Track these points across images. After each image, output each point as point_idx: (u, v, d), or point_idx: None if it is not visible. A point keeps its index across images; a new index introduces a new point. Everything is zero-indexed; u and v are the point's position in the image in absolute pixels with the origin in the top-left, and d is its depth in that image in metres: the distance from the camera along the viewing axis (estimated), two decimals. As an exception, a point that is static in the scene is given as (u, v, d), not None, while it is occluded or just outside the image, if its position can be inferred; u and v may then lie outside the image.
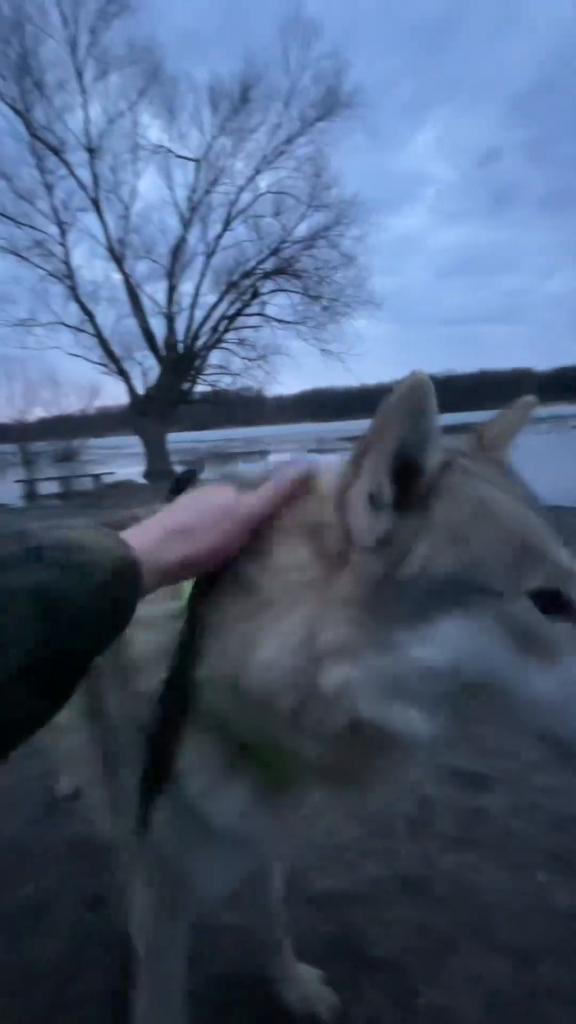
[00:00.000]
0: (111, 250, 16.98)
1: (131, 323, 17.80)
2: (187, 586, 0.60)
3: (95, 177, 16.28)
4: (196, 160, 17.45)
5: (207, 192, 17.61)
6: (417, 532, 0.50)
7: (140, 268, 18.18)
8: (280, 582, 0.54)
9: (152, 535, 0.52)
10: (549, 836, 1.51)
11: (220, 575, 0.57)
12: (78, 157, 16.10)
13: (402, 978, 1.13)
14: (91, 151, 16.00)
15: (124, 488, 14.18)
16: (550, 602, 0.49)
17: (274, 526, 0.58)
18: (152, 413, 17.14)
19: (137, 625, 0.50)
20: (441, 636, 0.48)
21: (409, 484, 0.51)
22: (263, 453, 29.89)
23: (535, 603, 0.49)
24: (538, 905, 1.29)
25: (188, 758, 0.59)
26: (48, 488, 13.71)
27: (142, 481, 15.80)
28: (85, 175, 16.24)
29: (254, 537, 0.57)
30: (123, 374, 17.52)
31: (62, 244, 16.36)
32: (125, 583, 0.46)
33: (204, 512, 0.56)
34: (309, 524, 0.55)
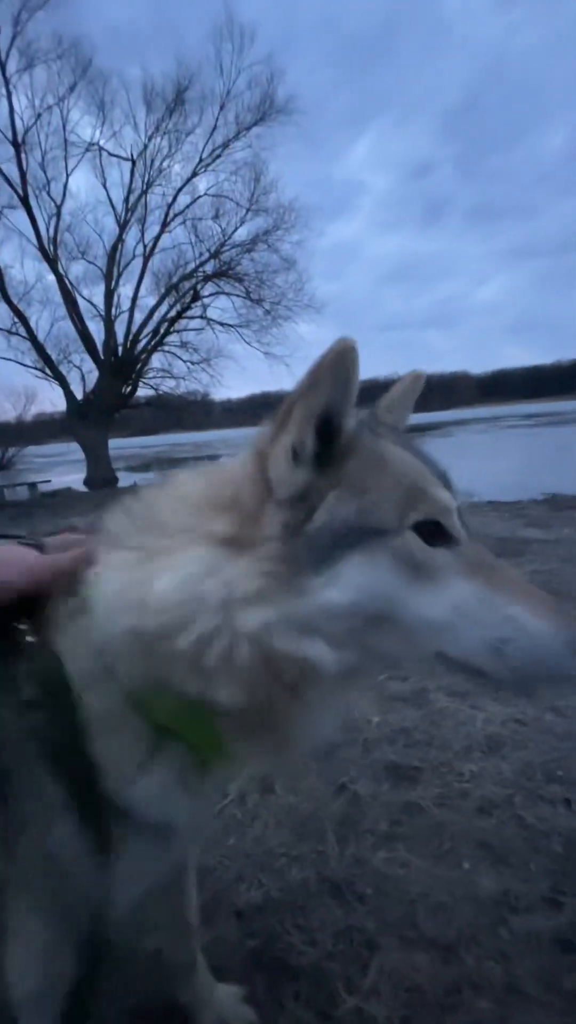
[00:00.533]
0: (43, 249, 16.28)
1: (67, 326, 17.17)
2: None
3: (22, 173, 15.57)
4: (131, 160, 17.08)
5: (144, 193, 17.27)
6: (329, 488, 0.55)
7: (75, 269, 17.62)
8: (182, 532, 0.57)
9: None
10: (475, 823, 1.54)
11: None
12: (4, 151, 15.36)
13: (323, 985, 1.09)
14: (17, 145, 15.28)
15: (62, 497, 13.56)
16: (432, 533, 0.56)
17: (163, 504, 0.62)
18: (92, 418, 16.54)
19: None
20: (345, 576, 0.53)
21: (329, 443, 0.55)
22: (212, 457, 29.64)
23: (419, 535, 0.55)
24: (462, 895, 1.30)
25: (105, 753, 0.58)
26: (-21, 499, 12.90)
27: (82, 489, 15.19)
28: (12, 170, 15.51)
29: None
30: (60, 378, 16.83)
31: (-12, 242, 15.51)
32: None
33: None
34: (228, 493, 0.58)
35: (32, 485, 13.50)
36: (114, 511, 0.66)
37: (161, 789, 0.60)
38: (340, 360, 0.51)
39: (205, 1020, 1.01)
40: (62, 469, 22.38)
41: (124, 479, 16.58)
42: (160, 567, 0.55)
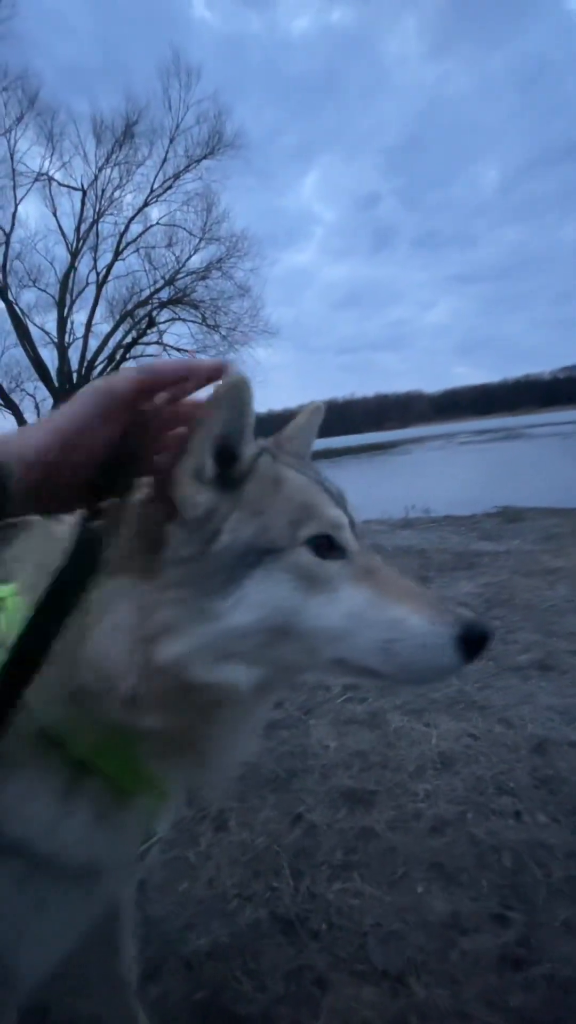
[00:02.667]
0: (-9, 277, 16.02)
1: (18, 353, 16.83)
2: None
3: (-32, 202, 15.37)
4: (82, 190, 17.15)
5: (95, 222, 17.34)
6: (230, 510, 0.57)
7: (26, 296, 17.33)
8: (100, 581, 0.55)
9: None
10: (428, 844, 1.54)
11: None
12: (-52, 181, 15.14)
13: (273, 1033, 1.06)
14: (-37, 174, 15.11)
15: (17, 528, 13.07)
16: (324, 547, 0.59)
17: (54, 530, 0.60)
18: (47, 446, 16.15)
19: None
20: (249, 595, 0.55)
21: (229, 468, 0.58)
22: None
23: (312, 549, 0.58)
24: (414, 920, 1.30)
25: (18, 797, 0.56)
26: None
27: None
28: (-43, 199, 15.29)
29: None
30: (12, 407, 16.43)
31: None
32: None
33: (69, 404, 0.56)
34: (132, 515, 0.58)
35: (-17, 518, 12.95)
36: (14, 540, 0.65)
37: (81, 829, 0.57)
38: (234, 391, 0.55)
39: None
40: (16, 499, 21.61)
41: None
42: (89, 625, 0.54)
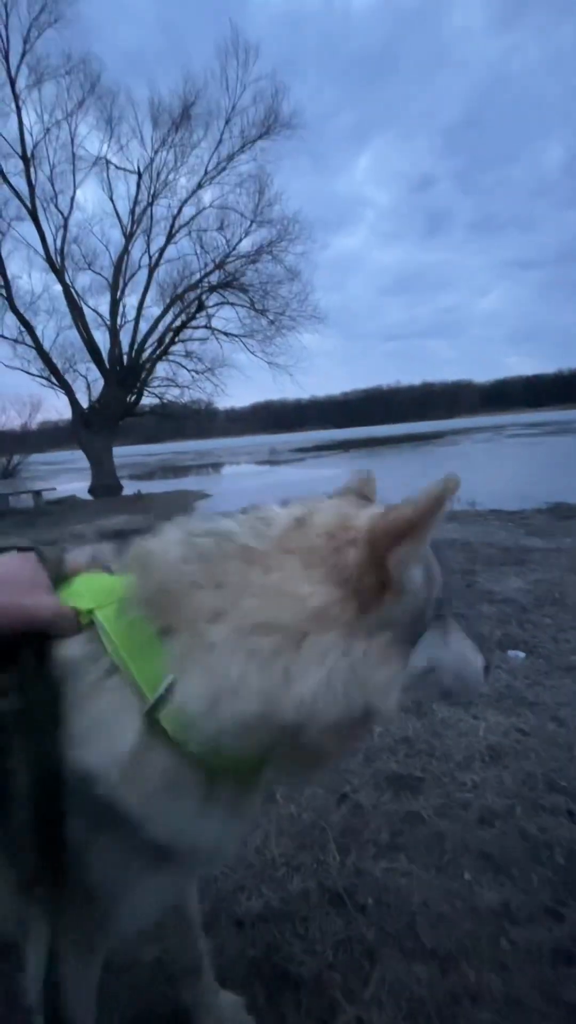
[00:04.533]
0: (50, 260, 16.50)
1: (73, 335, 17.33)
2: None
3: (31, 186, 15.82)
4: (137, 173, 17.34)
5: (149, 205, 17.50)
6: (427, 584, 0.68)
7: (82, 279, 17.79)
8: (302, 620, 0.60)
9: None
10: (476, 833, 1.54)
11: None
12: (13, 165, 15.62)
13: (323, 995, 1.09)
14: (27, 159, 15.54)
15: (66, 504, 13.62)
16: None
17: (277, 566, 0.64)
18: (97, 426, 16.66)
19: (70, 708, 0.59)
20: (423, 649, 0.70)
21: None
22: (215, 465, 29.69)
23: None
24: (463, 906, 1.30)
25: (166, 806, 0.61)
26: (-15, 506, 12.97)
27: (87, 497, 15.26)
28: (21, 184, 15.77)
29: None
30: (65, 387, 16.97)
31: (-3, 253, 15.74)
32: None
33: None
34: (340, 568, 0.63)
35: (37, 493, 13.55)
36: (167, 559, 0.65)
37: (213, 829, 0.65)
38: (452, 492, 0.64)
39: None
40: (67, 477, 22.49)
41: (128, 487, 16.65)
42: (257, 656, 0.59)
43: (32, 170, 15.75)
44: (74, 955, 0.69)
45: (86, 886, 0.63)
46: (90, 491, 16.09)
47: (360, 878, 1.40)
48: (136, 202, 17.40)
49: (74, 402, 16.97)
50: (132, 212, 17.38)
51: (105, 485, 16.12)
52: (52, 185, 16.37)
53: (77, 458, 20.79)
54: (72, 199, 16.78)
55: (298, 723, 0.59)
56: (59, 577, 0.69)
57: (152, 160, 17.27)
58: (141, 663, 0.60)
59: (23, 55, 15.10)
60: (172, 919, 0.98)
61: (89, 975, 0.74)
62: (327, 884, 1.38)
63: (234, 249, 18.27)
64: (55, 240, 16.62)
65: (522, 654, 2.76)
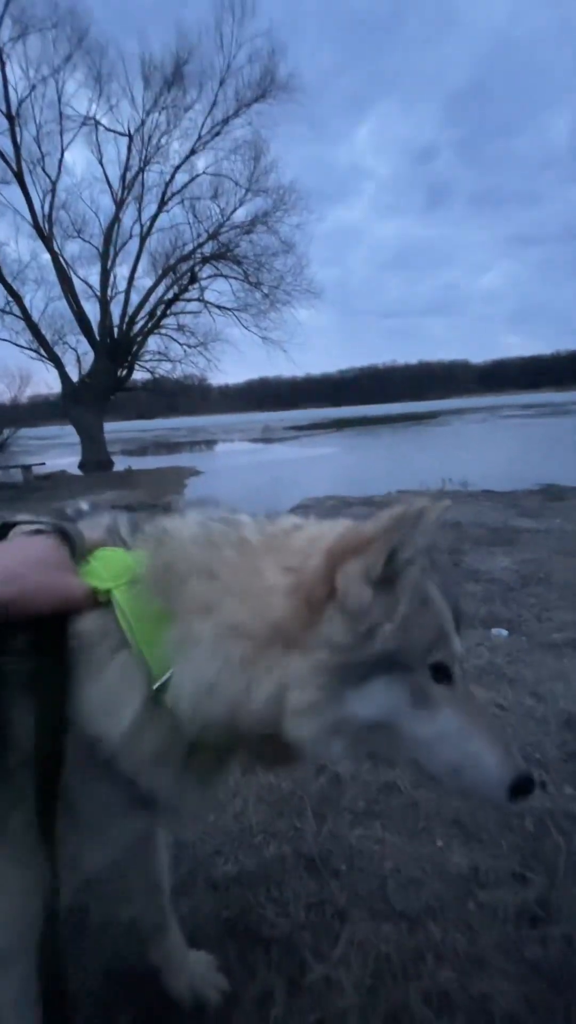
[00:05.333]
0: (37, 227, 15.99)
1: (62, 306, 16.96)
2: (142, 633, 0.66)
3: (16, 147, 15.20)
4: (128, 135, 16.70)
5: (141, 170, 16.94)
6: (384, 613, 0.63)
7: (71, 248, 17.39)
8: (265, 629, 0.64)
9: None
10: (450, 802, 1.57)
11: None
12: (-3, 124, 14.97)
13: (295, 955, 1.13)
14: (11, 118, 14.90)
15: (56, 479, 13.51)
16: (439, 671, 0.66)
17: (260, 566, 0.68)
18: (87, 401, 16.41)
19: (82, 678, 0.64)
20: (373, 696, 0.63)
21: (390, 568, 0.64)
22: (208, 442, 29.45)
23: (431, 673, 0.66)
24: (433, 870, 1.33)
25: (156, 766, 0.67)
26: (-27, 480, 12.83)
27: (77, 472, 15.13)
28: (6, 144, 15.16)
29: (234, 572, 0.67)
30: (55, 360, 16.66)
31: (-19, 218, 15.21)
32: None
33: (26, 560, 0.65)
34: (297, 580, 0.65)
35: (26, 467, 13.40)
36: (169, 566, 0.69)
37: (190, 787, 0.71)
38: (420, 516, 0.62)
39: (177, 985, 1.05)
40: (57, 452, 22.26)
41: (119, 463, 16.51)
42: (230, 662, 0.64)
43: (17, 130, 15.14)
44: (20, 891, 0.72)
45: (73, 819, 0.68)
46: (80, 466, 15.95)
47: (335, 844, 1.44)
48: (127, 167, 16.86)
49: (64, 376, 16.69)
50: (123, 178, 16.85)
51: (96, 461, 15.97)
52: (39, 146, 15.81)
53: (67, 433, 20.51)
54: (60, 162, 16.24)
55: (251, 728, 0.64)
56: (80, 555, 0.72)
57: (143, 122, 16.67)
58: (148, 642, 0.65)
59: (6, 5, 14.39)
60: (141, 881, 1.00)
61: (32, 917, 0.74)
62: (302, 850, 1.42)
63: (228, 219, 17.83)
64: (43, 205, 16.13)
65: (505, 632, 2.79)
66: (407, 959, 1.10)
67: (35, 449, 25.20)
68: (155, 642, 0.65)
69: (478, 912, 1.21)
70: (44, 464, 14.90)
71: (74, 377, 16.88)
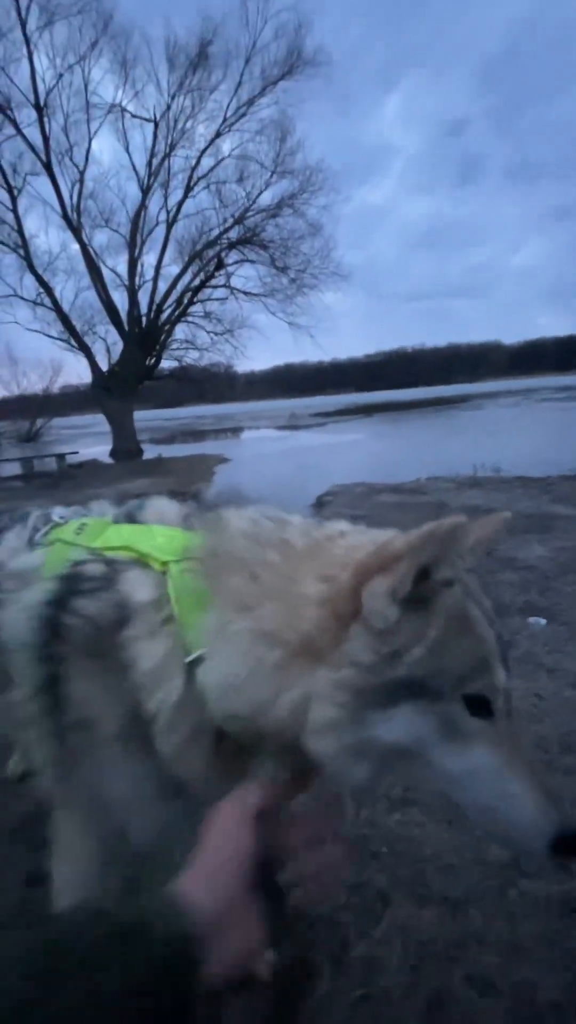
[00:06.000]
0: (66, 218, 16.15)
1: (91, 296, 17.14)
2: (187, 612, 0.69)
3: (45, 138, 15.33)
4: (154, 121, 16.60)
5: (167, 156, 16.84)
6: (414, 636, 0.60)
7: (99, 238, 17.44)
8: (297, 638, 0.63)
9: (204, 898, 0.49)
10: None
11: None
12: (26, 116, 15.10)
13: (337, 933, 1.16)
14: (39, 108, 15.00)
15: (88, 468, 13.82)
16: (476, 704, 0.61)
17: (299, 573, 0.67)
18: (117, 390, 16.65)
19: (135, 640, 0.67)
20: (397, 720, 0.60)
21: (421, 587, 0.61)
22: (235, 430, 29.56)
23: (465, 703, 0.61)
24: (472, 858, 1.34)
25: (184, 726, 0.68)
26: (10, 469, 13.25)
27: (108, 461, 15.43)
28: (35, 136, 15.28)
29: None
30: (85, 349, 16.91)
31: (13, 211, 15.45)
32: (193, 967, 0.46)
33: (237, 876, 0.53)
34: (329, 592, 0.64)
35: (60, 456, 13.74)
36: (218, 555, 0.71)
37: (215, 774, 0.70)
38: (453, 531, 0.58)
39: None
40: (88, 441, 22.72)
41: (149, 451, 16.76)
42: (261, 666, 0.64)
43: (46, 120, 15.22)
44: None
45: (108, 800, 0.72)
46: (111, 455, 16.25)
47: (374, 829, 1.46)
48: (153, 153, 16.77)
49: (94, 365, 16.93)
50: (149, 164, 16.78)
51: (126, 449, 16.25)
52: (67, 136, 15.84)
53: (98, 422, 20.93)
54: (87, 151, 16.25)
55: (275, 733, 0.64)
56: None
57: (169, 107, 16.51)
58: (189, 620, 0.67)
59: (31, -7, 14.33)
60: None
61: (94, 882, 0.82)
62: (341, 832, 1.44)
63: (254, 202, 17.59)
64: (71, 196, 16.22)
65: (543, 621, 2.74)
66: (449, 943, 1.12)
67: (67, 438, 25.84)
68: (194, 622, 0.67)
69: (520, 901, 1.21)
70: (77, 453, 15.25)
71: (104, 367, 17.12)
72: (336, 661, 0.61)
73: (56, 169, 15.72)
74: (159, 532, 0.79)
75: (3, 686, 0.80)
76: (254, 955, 0.53)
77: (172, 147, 16.81)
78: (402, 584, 0.59)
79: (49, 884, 1.35)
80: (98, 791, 0.73)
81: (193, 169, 17.09)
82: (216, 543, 0.72)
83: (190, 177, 17.13)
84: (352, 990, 1.05)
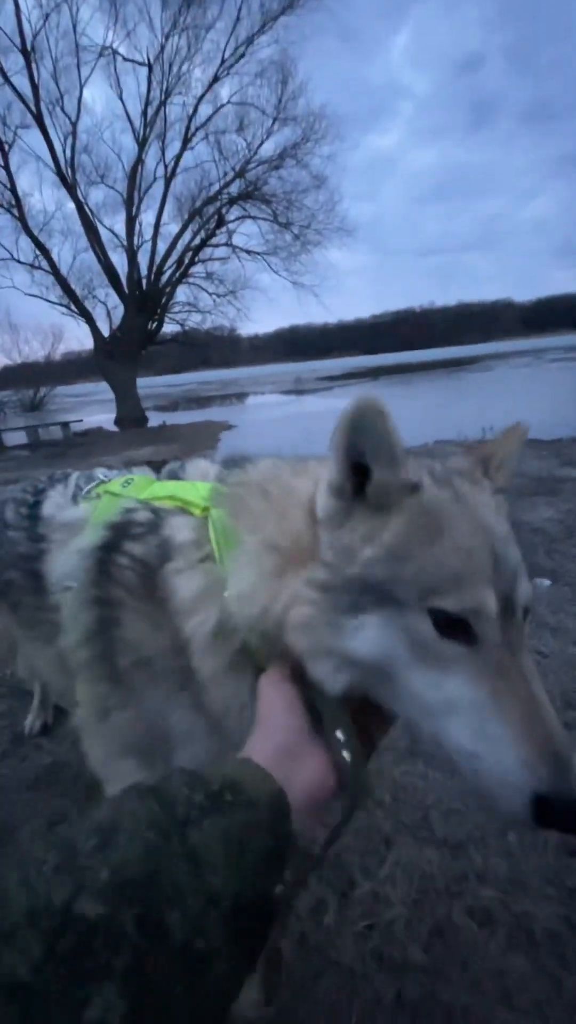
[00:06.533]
0: (60, 174, 15.51)
1: (89, 258, 16.66)
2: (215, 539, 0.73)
3: (34, 86, 14.55)
4: (147, 64, 15.68)
5: (162, 103, 15.98)
6: (366, 535, 0.58)
7: (95, 195, 16.97)
8: (289, 543, 0.65)
9: (270, 761, 0.52)
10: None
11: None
12: (13, 62, 14.31)
13: (344, 872, 1.22)
14: (27, 53, 14.18)
15: (94, 436, 13.78)
16: (449, 624, 0.54)
17: (299, 483, 0.70)
18: (119, 356, 16.39)
19: (176, 573, 0.72)
20: (366, 633, 0.57)
21: (362, 480, 0.60)
22: (240, 396, 29.18)
23: (434, 621, 0.54)
24: (474, 804, 1.39)
25: (212, 657, 0.70)
26: (15, 439, 13.24)
27: (113, 429, 15.37)
28: (23, 84, 14.52)
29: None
30: (85, 314, 16.56)
31: (5, 167, 14.85)
32: (282, 817, 0.48)
33: (290, 727, 0.58)
34: (308, 494, 0.66)
35: (65, 425, 13.70)
36: (241, 486, 0.76)
37: (239, 688, 0.71)
38: (360, 414, 0.56)
39: None
40: (92, 409, 22.57)
41: (153, 418, 16.65)
42: (263, 572, 0.66)
43: (34, 67, 14.41)
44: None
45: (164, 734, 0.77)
46: (116, 423, 16.16)
47: (379, 778, 1.51)
48: (148, 101, 15.91)
49: (95, 331, 16.62)
50: (144, 113, 15.96)
51: (131, 417, 16.14)
52: (57, 84, 15.05)
53: (101, 390, 20.71)
54: (79, 99, 15.47)
55: (279, 637, 0.63)
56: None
57: (163, 48, 15.56)
58: (227, 554, 0.70)
59: None
60: None
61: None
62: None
63: (255, 153, 16.79)
64: (64, 150, 15.54)
65: (547, 582, 2.76)
66: (450, 879, 1.18)
67: (71, 406, 25.68)
68: (227, 557, 0.70)
69: (519, 842, 1.27)
70: (81, 421, 15.20)
71: (105, 332, 16.80)
72: (314, 560, 0.62)
73: (47, 120, 15.01)
74: (202, 485, 0.84)
75: (50, 635, 0.84)
76: (328, 793, 0.57)
77: (168, 93, 15.96)
78: (335, 476, 0.60)
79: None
80: (155, 727, 0.77)
81: (191, 118, 16.27)
82: (241, 477, 0.77)
83: (188, 127, 16.32)
84: (358, 921, 1.12)
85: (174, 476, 0.93)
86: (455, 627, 0.54)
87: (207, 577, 0.71)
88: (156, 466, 1.08)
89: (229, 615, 0.67)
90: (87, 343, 17.56)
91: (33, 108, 14.69)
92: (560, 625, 2.30)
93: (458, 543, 0.56)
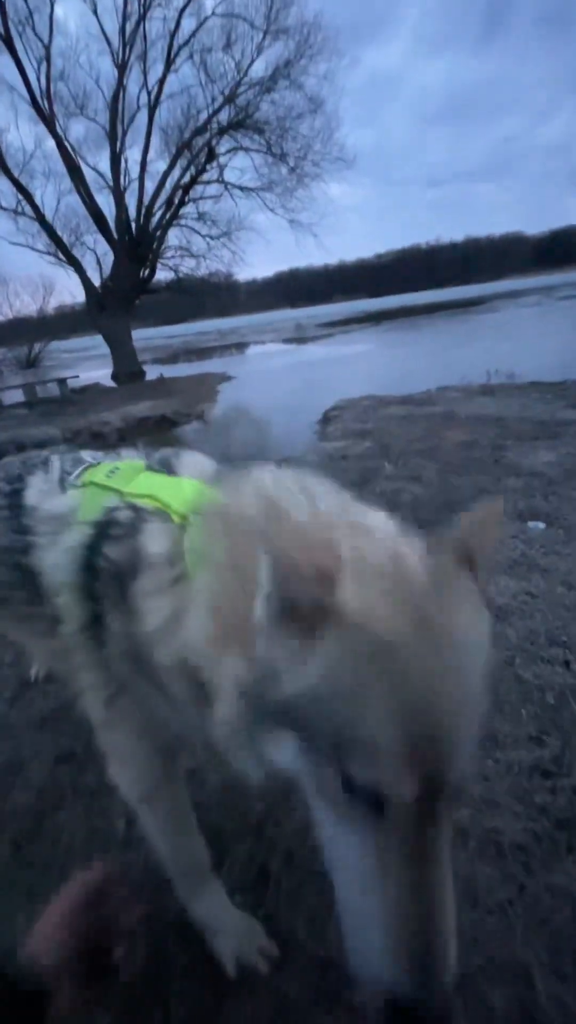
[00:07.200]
0: (36, 106, 14.43)
1: (75, 201, 15.75)
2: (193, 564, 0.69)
3: (1, 3, 13.29)
4: (122, -28, 14.20)
5: (142, 19, 14.59)
6: (293, 660, 0.51)
7: (76, 129, 15.86)
8: (233, 623, 0.61)
9: None
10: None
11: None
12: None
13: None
14: (-11, -36, 12.87)
15: (91, 391, 13.57)
16: (365, 790, 0.49)
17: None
18: (112, 307, 15.85)
19: (144, 595, 0.70)
20: (282, 749, 0.54)
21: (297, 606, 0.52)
22: (239, 345, 28.36)
23: (344, 779, 0.50)
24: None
25: (177, 683, 0.73)
26: (12, 397, 13.07)
27: (110, 384, 15.10)
28: (-13, 2, 13.24)
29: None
30: (74, 263, 15.87)
31: (-24, 100, 13.81)
32: (41, 995, 0.64)
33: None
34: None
35: (62, 381, 13.45)
36: (224, 517, 0.70)
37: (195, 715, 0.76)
38: (289, 571, 0.50)
39: (222, 949, 1.01)
40: (88, 364, 22.11)
41: (150, 371, 16.32)
42: (207, 636, 0.64)
43: (-2, -20, 13.09)
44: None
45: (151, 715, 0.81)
46: (113, 377, 15.86)
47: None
48: (126, 15, 14.53)
49: (85, 280, 15.99)
50: (122, 31, 14.62)
51: (127, 371, 15.80)
52: (25, 1, 13.71)
53: (96, 344, 20.18)
54: (51, 17, 14.10)
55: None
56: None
57: (138, -50, 14.01)
58: (198, 579, 0.67)
59: None
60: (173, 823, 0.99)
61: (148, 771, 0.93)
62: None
63: (245, 74, 15.47)
64: (38, 78, 14.37)
65: (542, 524, 2.77)
66: (427, 801, 1.26)
67: (67, 362, 25.11)
68: (198, 584, 0.67)
69: (495, 767, 1.34)
70: (78, 377, 14.89)
71: (96, 281, 16.16)
72: (245, 652, 0.57)
73: (17, 44, 13.78)
74: (188, 485, 0.80)
75: (51, 625, 0.86)
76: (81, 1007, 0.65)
77: (147, 7, 14.54)
78: (267, 586, 0.53)
79: (74, 762, 1.52)
80: (143, 710, 0.81)
81: (173, 35, 14.89)
82: (232, 499, 0.71)
83: (170, 45, 14.97)
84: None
85: (166, 464, 0.89)
86: (366, 791, 0.49)
87: (173, 605, 0.69)
88: (158, 429, 1.04)
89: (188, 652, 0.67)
90: (79, 295, 16.89)
91: (1, 30, 13.50)
92: (551, 566, 2.32)
93: (384, 704, 0.47)
